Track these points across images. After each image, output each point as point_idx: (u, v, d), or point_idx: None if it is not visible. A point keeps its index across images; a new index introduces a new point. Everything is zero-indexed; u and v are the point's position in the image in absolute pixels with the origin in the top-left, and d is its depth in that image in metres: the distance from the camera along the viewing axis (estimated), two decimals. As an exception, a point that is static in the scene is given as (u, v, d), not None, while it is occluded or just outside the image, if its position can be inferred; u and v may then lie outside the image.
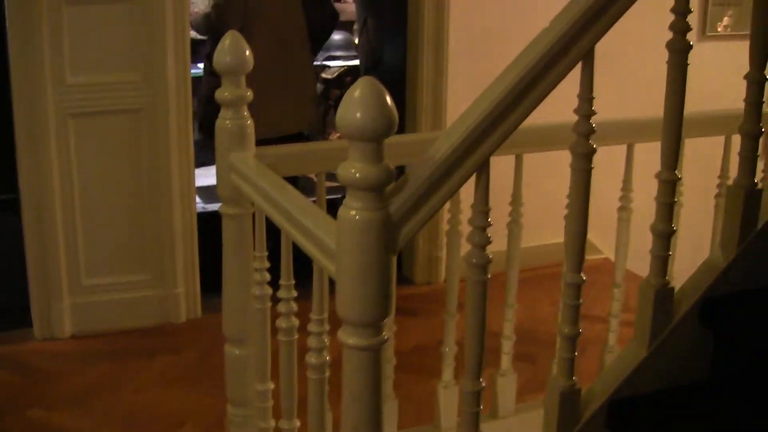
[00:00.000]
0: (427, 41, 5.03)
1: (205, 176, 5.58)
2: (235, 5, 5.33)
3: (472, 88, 4.91)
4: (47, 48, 4.43)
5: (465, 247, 2.40)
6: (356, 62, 6.88)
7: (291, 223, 2.42)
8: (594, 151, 2.32)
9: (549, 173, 3.91)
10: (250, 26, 5.32)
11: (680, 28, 2.39)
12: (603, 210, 3.49)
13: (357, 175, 1.88)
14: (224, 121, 2.95)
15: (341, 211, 1.94)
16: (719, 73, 5.51)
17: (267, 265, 2.94)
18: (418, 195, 2.02)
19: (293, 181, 5.37)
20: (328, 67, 7.66)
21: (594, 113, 2.29)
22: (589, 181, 2.36)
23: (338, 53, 7.45)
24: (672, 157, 2.46)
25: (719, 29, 5.94)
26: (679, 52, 2.40)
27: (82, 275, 4.77)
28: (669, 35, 2.41)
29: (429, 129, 5.14)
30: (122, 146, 4.65)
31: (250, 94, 2.95)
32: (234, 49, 2.89)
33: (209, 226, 3.76)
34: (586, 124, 2.29)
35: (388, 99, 1.87)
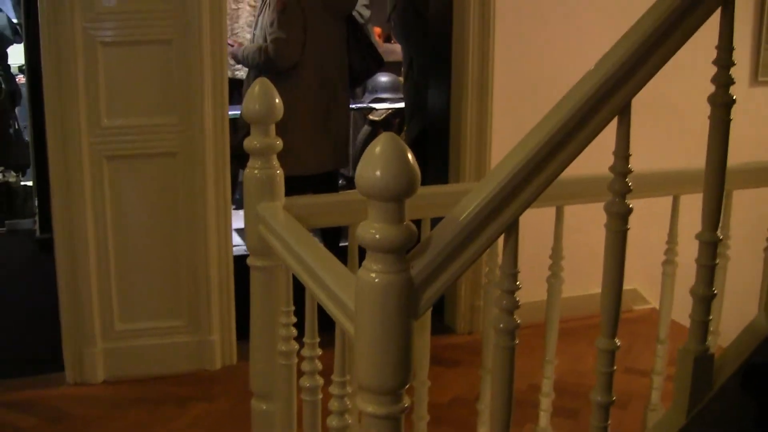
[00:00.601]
0: (471, 85, 4.95)
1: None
2: (294, 42, 5.40)
3: (517, 133, 4.86)
4: (82, 89, 4.38)
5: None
6: (403, 104, 6.83)
7: (313, 280, 2.34)
8: (630, 211, 2.22)
9: (594, 219, 3.78)
10: (301, 64, 5.43)
11: (723, 81, 2.28)
12: (649, 260, 3.39)
13: (377, 236, 1.80)
14: (253, 171, 2.88)
15: (361, 272, 1.86)
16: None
17: (293, 320, 2.87)
18: (442, 258, 1.93)
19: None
20: (375, 109, 7.62)
21: (630, 171, 2.19)
22: (625, 243, 2.25)
23: (385, 95, 7.41)
24: (714, 217, 2.34)
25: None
26: (721, 106, 2.28)
27: (116, 319, 4.70)
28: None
29: (473, 173, 5.05)
30: (158, 189, 4.59)
31: (279, 143, 2.88)
32: (263, 97, 2.82)
33: (248, 269, 3.68)
34: (622, 183, 2.19)
35: (410, 156, 1.79)
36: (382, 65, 5.95)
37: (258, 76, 5.43)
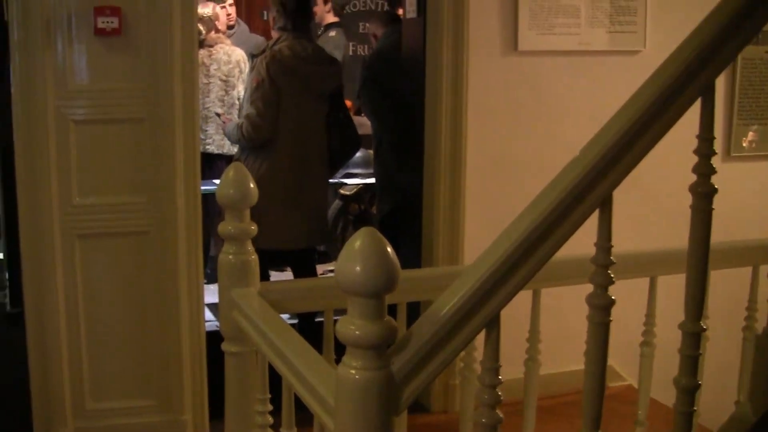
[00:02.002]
0: (444, 164, 4.93)
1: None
2: (265, 118, 5.41)
3: (490, 213, 4.86)
4: (54, 167, 4.35)
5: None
6: (374, 180, 6.84)
7: (290, 370, 2.31)
8: (613, 302, 2.19)
9: (568, 296, 3.76)
10: (273, 140, 5.45)
11: (704, 170, 2.25)
12: (624, 336, 3.36)
13: (357, 332, 1.78)
14: (227, 256, 2.86)
15: (340, 368, 1.84)
16: (745, 195, 5.43)
17: (269, 408, 2.83)
18: (423, 354, 1.91)
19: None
20: (346, 183, 7.62)
21: (612, 263, 2.17)
22: (608, 333, 2.22)
23: (357, 170, 7.41)
24: (697, 306, 2.30)
25: (744, 144, 5.81)
26: (703, 196, 2.25)
27: (87, 398, 4.63)
28: (691, 160, 2.26)
29: (446, 254, 5.03)
30: (130, 267, 4.54)
31: (254, 228, 2.86)
32: (238, 182, 2.81)
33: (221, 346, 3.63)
34: (604, 275, 2.17)
35: (390, 251, 1.77)
36: (357, 146, 5.95)
37: (245, 150, 5.49)
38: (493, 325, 2.02)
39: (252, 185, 2.82)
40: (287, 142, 5.48)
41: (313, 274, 5.94)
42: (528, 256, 2.00)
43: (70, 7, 4.30)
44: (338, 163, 5.96)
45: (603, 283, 2.17)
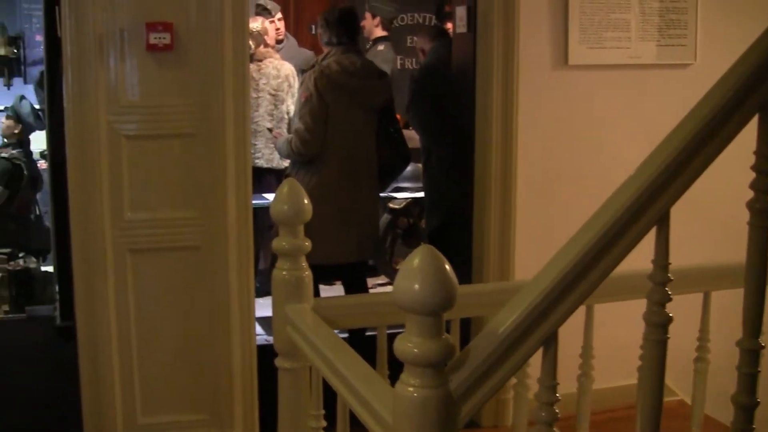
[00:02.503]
0: (494, 178, 4.92)
1: (270, 306, 5.49)
2: (317, 134, 5.46)
3: (541, 228, 4.84)
4: (106, 182, 4.37)
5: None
6: (423, 194, 6.84)
7: (346, 387, 2.30)
8: (670, 320, 2.18)
9: (619, 312, 3.73)
10: (323, 154, 5.49)
11: (762, 187, 2.22)
12: (676, 352, 3.33)
13: (415, 350, 1.78)
14: (281, 272, 2.87)
15: (398, 387, 1.84)
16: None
17: (323, 424, 2.83)
18: (480, 372, 1.90)
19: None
20: (396, 197, 7.62)
21: (670, 280, 2.15)
22: (665, 351, 2.21)
23: (406, 184, 7.41)
24: (755, 324, 2.28)
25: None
26: (760, 212, 2.22)
27: (138, 413, 4.64)
28: (748, 175, 2.23)
29: (496, 270, 5.01)
30: (181, 281, 4.55)
31: (308, 244, 2.86)
32: (292, 198, 2.81)
33: (271, 359, 3.61)
34: (662, 293, 2.15)
35: (449, 269, 1.77)
36: (407, 161, 5.95)
37: (296, 164, 5.51)
38: (550, 342, 2.01)
39: (306, 201, 2.83)
40: (337, 157, 5.51)
41: (364, 287, 5.95)
42: (586, 274, 1.99)
43: (122, 23, 4.33)
44: (389, 178, 5.97)
45: (660, 301, 2.16)
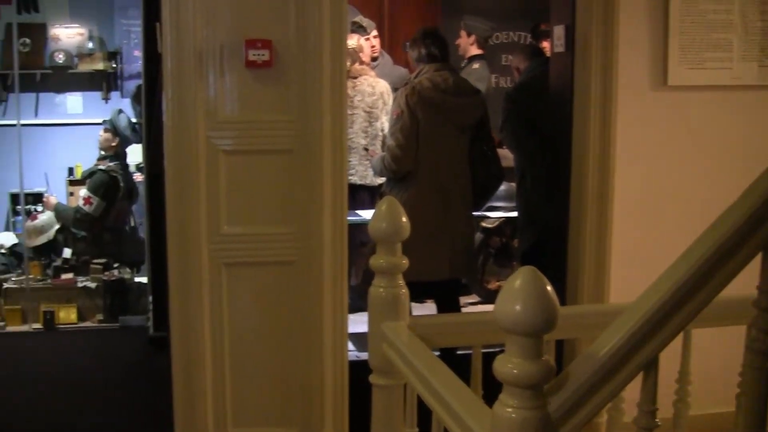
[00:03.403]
0: (591, 199, 4.87)
1: (361, 323, 5.49)
2: (408, 151, 5.47)
3: (637, 250, 4.77)
4: (204, 196, 4.42)
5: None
6: (516, 213, 6.81)
7: (442, 406, 2.30)
8: (774, 347, 2.14)
9: (713, 338, 3.66)
10: (415, 172, 5.51)
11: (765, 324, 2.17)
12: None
13: (515, 371, 1.77)
14: (378, 289, 2.87)
15: (496, 407, 1.83)
16: None
17: (417, 441, 2.82)
18: (580, 395, 1.89)
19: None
20: (488, 216, 7.59)
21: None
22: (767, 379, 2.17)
23: (499, 203, 7.36)
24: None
25: None
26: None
27: (229, 425, 4.67)
28: None
29: (591, 292, 4.96)
30: (274, 296, 4.58)
31: (405, 262, 2.86)
32: (390, 216, 2.82)
33: (362, 375, 3.61)
34: (766, 318, 2.11)
35: (550, 290, 1.76)
36: (501, 179, 5.93)
37: (390, 181, 5.51)
38: (651, 367, 1.99)
39: (404, 219, 2.83)
40: (429, 174, 5.51)
41: (456, 306, 5.92)
42: (688, 299, 1.97)
43: (222, 39, 4.38)
44: (483, 197, 5.95)
45: (765, 327, 2.12)
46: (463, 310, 6.54)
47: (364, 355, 5.76)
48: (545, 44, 6.77)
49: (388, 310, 2.85)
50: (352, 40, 7.02)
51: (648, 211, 4.96)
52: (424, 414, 2.68)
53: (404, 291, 2.87)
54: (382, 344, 2.83)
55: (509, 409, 1.80)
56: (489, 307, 7.24)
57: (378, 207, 2.85)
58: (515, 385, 1.79)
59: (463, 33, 7.84)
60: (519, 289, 1.75)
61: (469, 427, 2.07)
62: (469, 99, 5.67)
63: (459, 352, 4.51)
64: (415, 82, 5.56)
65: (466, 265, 5.82)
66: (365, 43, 7.31)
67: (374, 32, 7.65)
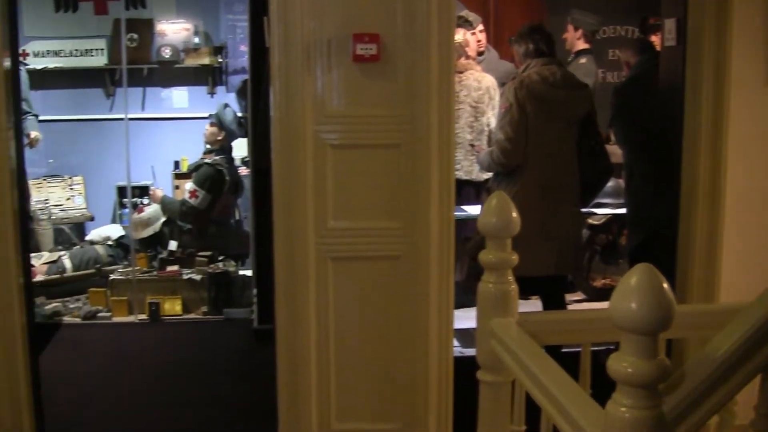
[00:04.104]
0: (702, 196, 4.79)
1: (465, 318, 5.47)
2: (517, 144, 5.47)
3: (748, 247, 4.68)
4: (311, 190, 4.44)
5: None
6: (623, 210, 6.73)
7: (552, 403, 2.27)
8: None
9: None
10: (523, 166, 5.49)
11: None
12: None
13: (629, 370, 1.74)
14: (487, 285, 2.85)
15: (610, 406, 1.80)
16: None
17: (524, 439, 2.79)
18: (696, 396, 1.86)
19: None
20: (595, 213, 7.51)
21: None
22: None
23: (606, 200, 7.27)
24: None
25: None
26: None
27: (333, 419, 4.68)
28: None
29: (701, 290, 4.87)
30: (380, 291, 4.58)
31: (515, 257, 2.83)
32: (500, 211, 2.80)
33: (466, 371, 3.59)
34: None
35: (667, 288, 1.72)
36: (609, 173, 5.86)
37: (498, 176, 5.54)
38: (770, 369, 1.94)
39: (514, 214, 2.81)
40: (536, 168, 5.49)
41: (562, 303, 5.88)
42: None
43: (329, 33, 4.38)
44: (591, 192, 5.88)
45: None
46: (568, 307, 6.48)
47: (468, 351, 5.77)
48: (654, 38, 6.68)
49: (497, 306, 2.83)
50: (458, 35, 6.99)
51: (761, 208, 4.86)
52: (531, 411, 2.66)
53: (513, 287, 2.84)
54: (490, 340, 2.81)
55: (623, 409, 1.77)
56: (595, 305, 7.22)
57: (488, 202, 2.83)
58: (630, 384, 1.76)
59: (569, 27, 7.77)
60: (635, 286, 1.72)
61: (581, 426, 2.04)
62: (576, 93, 5.63)
63: (564, 350, 4.47)
64: (524, 76, 5.53)
65: (572, 261, 5.78)
66: (471, 37, 7.29)
67: (480, 27, 7.61)
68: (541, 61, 5.58)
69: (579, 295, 7.73)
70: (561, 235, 5.54)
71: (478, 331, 2.89)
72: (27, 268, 4.68)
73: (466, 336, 5.71)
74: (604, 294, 7.45)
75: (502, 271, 2.82)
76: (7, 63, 4.45)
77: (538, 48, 5.64)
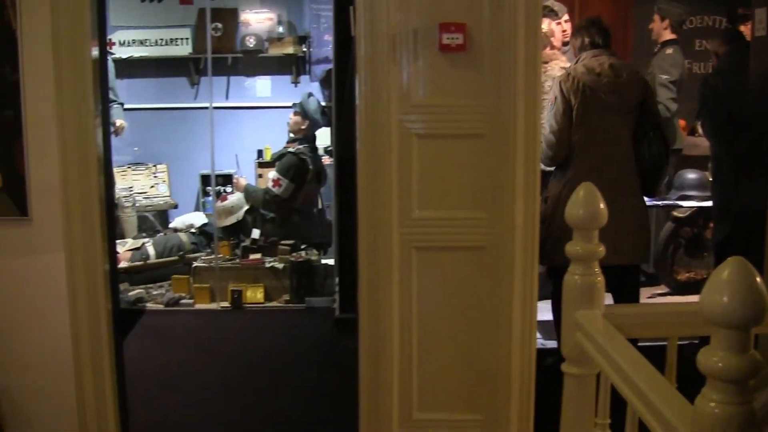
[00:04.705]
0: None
1: (545, 310, 5.45)
2: (560, 137, 5.55)
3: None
4: (395, 179, 4.43)
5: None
6: (709, 203, 6.65)
7: (638, 397, 2.24)
8: None
9: None
10: (573, 158, 5.55)
11: None
12: None
13: (720, 364, 1.72)
14: (573, 277, 2.82)
15: (699, 402, 1.78)
16: None
17: (609, 433, 2.77)
18: (788, 393, 1.81)
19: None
20: (680, 206, 7.43)
21: None
22: None
23: (692, 192, 7.19)
24: None
25: None
26: None
27: (414, 408, 4.68)
28: None
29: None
30: (463, 282, 4.56)
31: (602, 249, 2.82)
32: (588, 202, 2.77)
33: (548, 365, 3.57)
34: None
35: (759, 282, 1.70)
36: (665, 155, 5.74)
37: (555, 168, 5.57)
38: None
39: (602, 206, 2.78)
40: (588, 159, 5.52)
41: (635, 297, 5.79)
42: None
43: (415, 23, 4.37)
44: (653, 179, 5.78)
45: None
46: (651, 301, 6.42)
47: (549, 343, 5.74)
48: (743, 28, 6.60)
49: (583, 298, 2.81)
50: (543, 25, 6.95)
51: None
52: (615, 405, 2.63)
53: (600, 279, 2.82)
54: (575, 333, 2.79)
55: (712, 404, 1.75)
56: (679, 299, 7.15)
57: (575, 193, 2.81)
58: (720, 380, 1.74)
59: (656, 17, 7.70)
60: (727, 280, 1.70)
61: (668, 420, 2.02)
62: (626, 81, 5.59)
63: (641, 344, 4.43)
64: (571, 69, 5.55)
65: (634, 250, 5.66)
66: (556, 27, 7.23)
67: (565, 16, 7.55)
68: (591, 53, 5.64)
69: (663, 289, 7.66)
70: (618, 222, 5.48)
71: (564, 323, 2.87)
72: (113, 255, 4.74)
73: (546, 327, 5.69)
74: (688, 287, 7.39)
75: (588, 263, 2.80)
76: (95, 52, 4.51)
77: (594, 41, 5.68)
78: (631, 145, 5.56)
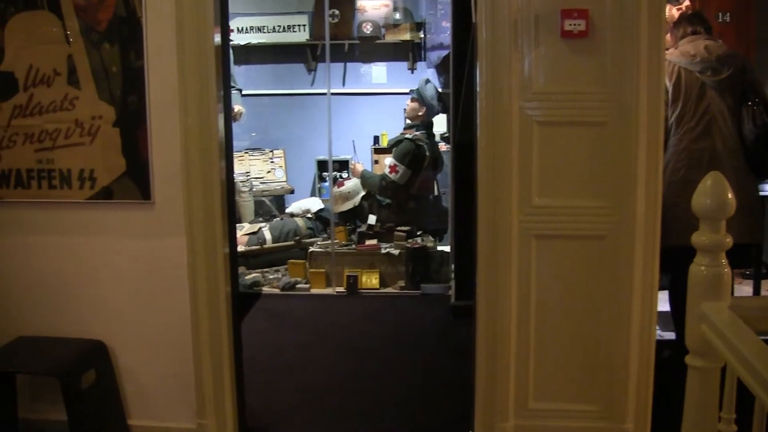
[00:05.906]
0: None
1: (662, 300, 5.36)
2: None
3: None
4: (516, 167, 4.40)
5: None
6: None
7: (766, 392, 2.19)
8: None
9: None
10: (669, 136, 5.41)
11: None
12: None
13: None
14: (699, 267, 2.76)
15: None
16: None
17: (734, 429, 2.70)
18: None
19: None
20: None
21: None
22: None
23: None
24: None
25: None
26: None
27: (530, 397, 4.66)
28: None
29: None
30: (582, 271, 4.52)
31: (729, 240, 2.75)
32: (715, 192, 2.70)
33: (662, 355, 3.50)
34: None
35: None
36: (764, 132, 5.61)
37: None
38: None
39: (730, 195, 2.72)
40: (686, 139, 5.37)
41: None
42: None
43: (537, 9, 4.34)
44: (756, 156, 5.64)
45: None
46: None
47: (666, 335, 5.65)
48: None
49: (709, 289, 2.75)
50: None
51: None
52: (741, 400, 2.58)
53: (727, 270, 2.75)
54: (701, 325, 2.73)
55: None
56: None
57: (703, 182, 2.75)
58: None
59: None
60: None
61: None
62: (722, 61, 5.45)
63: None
64: (667, 53, 5.44)
65: (743, 228, 5.52)
66: (677, 13, 7.12)
67: (686, 2, 7.43)
68: (688, 38, 5.54)
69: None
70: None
71: (688, 315, 2.81)
72: (232, 239, 4.79)
73: (663, 318, 5.60)
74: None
75: (715, 254, 2.74)
76: (218, 38, 4.56)
77: (695, 31, 5.56)
78: (734, 121, 5.44)
